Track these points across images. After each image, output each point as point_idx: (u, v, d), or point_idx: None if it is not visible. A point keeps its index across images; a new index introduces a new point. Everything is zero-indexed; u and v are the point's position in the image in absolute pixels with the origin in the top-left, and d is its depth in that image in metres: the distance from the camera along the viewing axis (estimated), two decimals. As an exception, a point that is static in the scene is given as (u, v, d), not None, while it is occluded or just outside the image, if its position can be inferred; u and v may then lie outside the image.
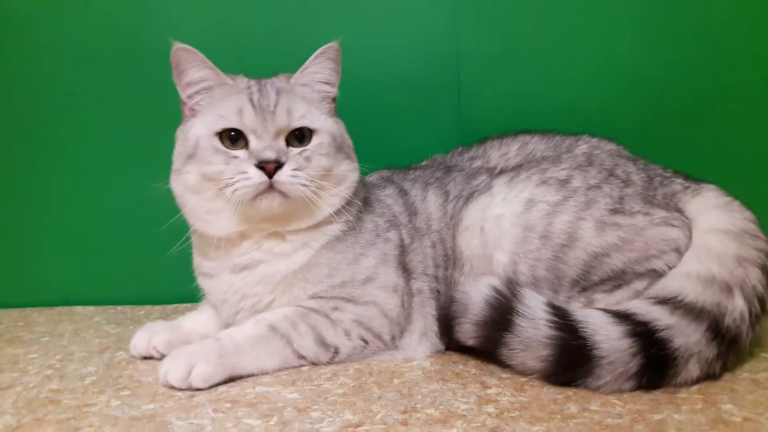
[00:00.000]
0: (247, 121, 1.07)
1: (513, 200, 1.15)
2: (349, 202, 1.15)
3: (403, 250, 1.19)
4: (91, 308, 1.60)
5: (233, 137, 1.08)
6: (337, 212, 1.13)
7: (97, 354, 1.23)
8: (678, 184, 1.18)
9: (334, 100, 1.18)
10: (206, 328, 1.23)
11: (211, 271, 1.17)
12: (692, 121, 1.55)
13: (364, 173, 1.32)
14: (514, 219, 1.12)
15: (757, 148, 1.55)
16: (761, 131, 1.55)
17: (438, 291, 1.19)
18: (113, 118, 1.55)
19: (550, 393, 0.95)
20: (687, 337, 0.93)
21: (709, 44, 1.53)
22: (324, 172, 1.10)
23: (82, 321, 1.49)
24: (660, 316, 0.95)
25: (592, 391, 0.94)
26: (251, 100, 1.08)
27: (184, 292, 1.28)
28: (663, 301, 0.98)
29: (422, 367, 1.08)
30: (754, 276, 1.01)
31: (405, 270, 1.17)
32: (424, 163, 1.40)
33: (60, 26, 1.57)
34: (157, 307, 1.57)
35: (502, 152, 1.32)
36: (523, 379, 1.00)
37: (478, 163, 1.32)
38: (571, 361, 0.94)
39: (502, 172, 1.25)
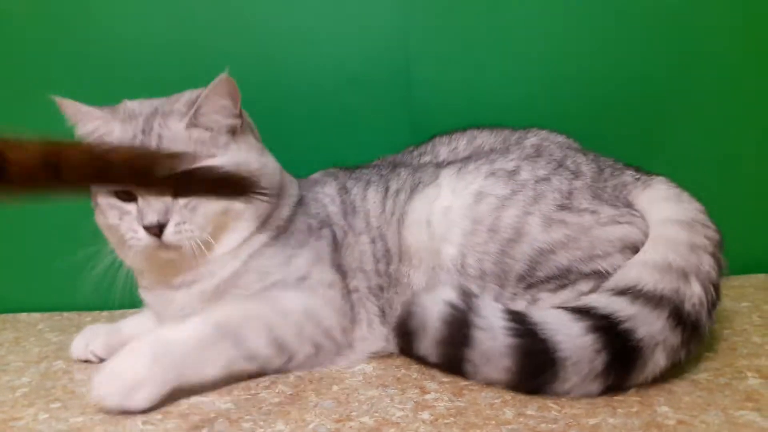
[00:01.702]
0: None
1: (462, 192, 1.13)
2: (267, 220, 1.14)
3: (336, 247, 1.17)
4: (36, 315, 1.55)
5: (124, 191, 1.07)
6: (255, 230, 1.12)
7: (34, 364, 1.19)
8: (628, 175, 1.17)
9: (232, 129, 1.12)
10: (146, 331, 1.19)
11: (149, 285, 1.16)
12: (644, 116, 1.54)
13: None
14: (463, 211, 1.11)
15: (707, 142, 1.56)
16: (711, 126, 1.55)
17: (380, 287, 1.17)
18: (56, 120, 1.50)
19: (487, 397, 0.93)
20: (650, 326, 0.92)
21: (662, 39, 1.52)
22: (217, 215, 1.08)
23: (24, 329, 1.45)
24: (621, 307, 0.94)
25: (530, 396, 0.93)
26: None
27: (134, 298, 1.24)
28: (622, 292, 0.97)
29: (364, 373, 1.06)
30: (707, 262, 1.01)
31: (339, 268, 1.16)
32: (374, 162, 1.38)
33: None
34: (105, 313, 1.53)
35: (451, 147, 1.30)
36: (463, 383, 0.99)
37: (426, 159, 1.31)
38: (534, 367, 0.92)
39: (450, 164, 1.23)
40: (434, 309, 1.01)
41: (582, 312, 0.94)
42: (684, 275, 0.97)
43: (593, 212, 1.09)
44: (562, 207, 1.09)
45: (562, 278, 1.08)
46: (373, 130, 1.54)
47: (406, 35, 1.51)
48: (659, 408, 0.87)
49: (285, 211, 1.17)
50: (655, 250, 1.01)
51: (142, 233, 1.03)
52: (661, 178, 1.16)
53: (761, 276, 1.56)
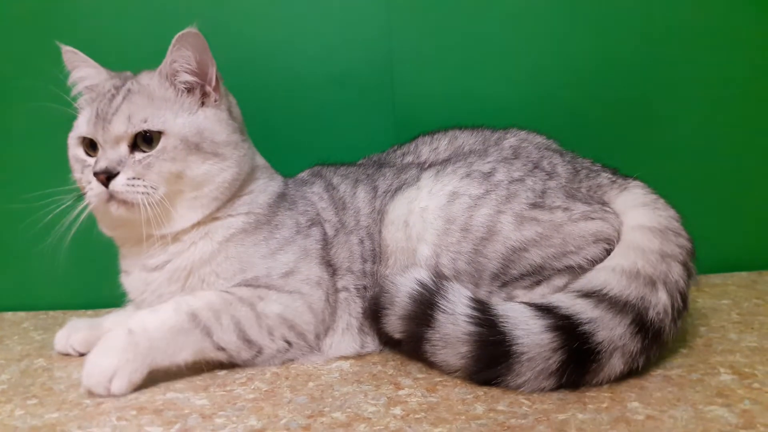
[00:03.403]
0: (91, 130, 1.07)
1: (438, 193, 1.14)
2: (239, 197, 1.14)
3: (326, 244, 1.17)
4: (21, 314, 1.56)
5: (92, 145, 1.09)
6: (221, 210, 1.12)
7: (15, 362, 1.20)
8: (604, 177, 1.17)
9: (203, 90, 1.11)
10: None
11: (128, 268, 1.16)
12: (626, 115, 1.55)
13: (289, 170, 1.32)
14: (437, 211, 1.12)
15: (689, 141, 1.57)
16: (694, 125, 1.56)
17: (365, 287, 1.17)
18: (40, 119, 1.51)
19: (460, 393, 0.94)
20: (611, 331, 0.93)
21: (644, 40, 1.53)
22: (173, 177, 1.06)
23: (9, 327, 1.45)
24: (583, 309, 0.95)
25: (503, 391, 0.93)
26: (98, 107, 1.07)
27: (118, 296, 1.24)
28: (587, 294, 0.98)
29: (340, 369, 1.07)
30: (677, 271, 1.02)
31: (329, 266, 1.16)
32: (359, 161, 1.38)
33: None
34: (90, 312, 1.53)
35: (433, 147, 1.31)
36: (437, 379, 1.00)
37: (409, 159, 1.31)
38: (490, 358, 0.93)
39: (431, 166, 1.24)
40: (405, 286, 1.03)
41: (545, 310, 0.95)
42: (651, 283, 0.98)
43: (566, 209, 1.10)
44: (535, 205, 1.10)
45: (536, 275, 1.09)
46: (357, 128, 1.54)
47: (390, 35, 1.52)
48: (630, 404, 0.88)
49: (262, 198, 1.16)
50: (625, 256, 1.02)
51: (94, 182, 1.03)
52: (637, 183, 1.17)
53: (743, 274, 1.56)
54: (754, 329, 1.16)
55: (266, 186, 1.19)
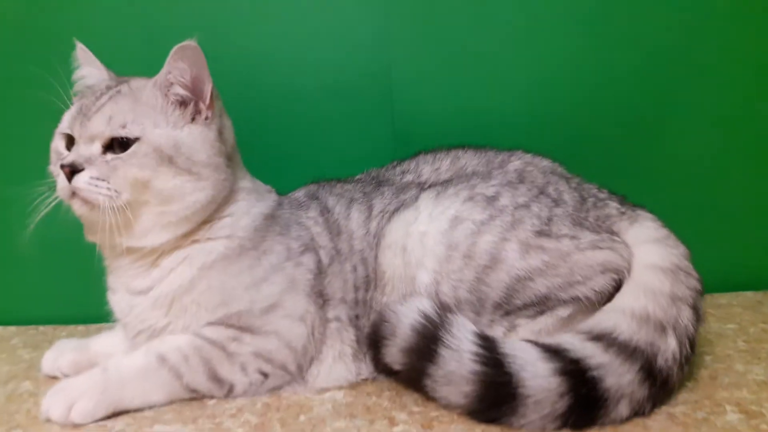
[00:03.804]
0: (70, 125, 1.05)
1: (438, 217, 1.10)
2: (219, 220, 1.09)
3: (320, 273, 1.12)
4: (12, 329, 1.52)
5: (72, 140, 1.06)
6: (197, 232, 1.07)
7: (2, 384, 1.16)
8: (613, 207, 1.13)
9: (197, 106, 1.07)
10: (115, 348, 1.18)
11: (113, 286, 1.13)
12: (630, 135, 1.51)
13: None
14: (438, 237, 1.08)
15: (695, 158, 1.52)
16: (700, 142, 1.52)
17: (357, 316, 1.13)
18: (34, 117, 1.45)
19: (458, 430, 0.91)
20: (619, 377, 0.90)
21: (650, 59, 1.48)
22: (138, 185, 1.01)
23: (-2, 343, 1.42)
24: (593, 353, 0.92)
25: (502, 428, 0.90)
26: (82, 104, 1.05)
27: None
28: (597, 337, 0.95)
29: (333, 400, 1.03)
30: (686, 315, 0.99)
31: (321, 296, 1.11)
32: (357, 176, 1.33)
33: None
34: (81, 327, 1.50)
35: (434, 167, 1.27)
36: (434, 414, 0.96)
37: (409, 178, 1.27)
38: (494, 399, 0.90)
39: (432, 186, 1.21)
40: (408, 317, 0.99)
41: (553, 351, 0.92)
42: (661, 328, 0.96)
43: (573, 237, 1.06)
44: (541, 233, 1.06)
45: (541, 305, 1.05)
46: (354, 141, 1.50)
47: (389, 46, 1.47)
48: (632, 445, 0.84)
49: (245, 221, 1.11)
50: (636, 298, 0.99)
51: (61, 176, 1.00)
52: (647, 215, 1.14)
53: (749, 294, 1.52)
54: (761, 359, 1.12)
55: (250, 207, 1.13)
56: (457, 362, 0.92)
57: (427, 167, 1.27)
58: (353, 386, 1.09)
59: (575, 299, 1.04)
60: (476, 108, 1.49)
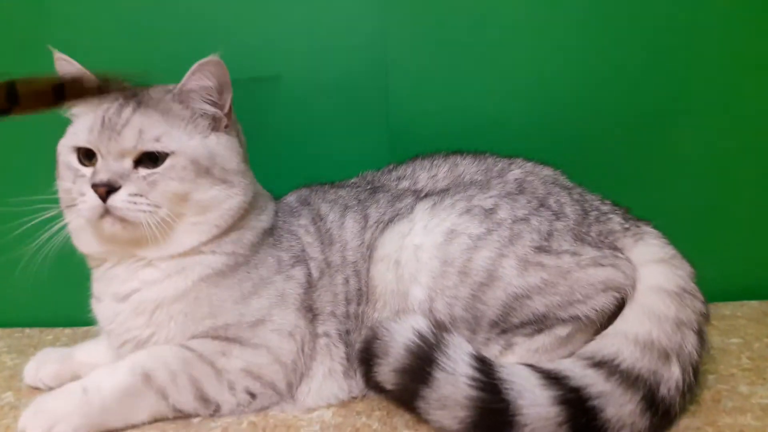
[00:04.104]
0: (93, 140, 0.99)
1: (434, 230, 1.05)
2: (229, 232, 1.06)
3: (309, 287, 1.08)
4: (-2, 330, 1.49)
5: (87, 155, 1.01)
6: (211, 242, 1.04)
7: (-16, 395, 1.13)
8: (616, 222, 1.09)
9: (215, 118, 1.06)
10: (99, 358, 1.14)
11: (99, 294, 1.09)
12: (633, 137, 1.45)
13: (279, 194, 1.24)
14: (433, 251, 1.03)
15: (695, 166, 1.47)
16: (700, 150, 1.46)
17: (348, 332, 1.09)
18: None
19: (449, 458, 0.87)
20: (620, 407, 0.87)
21: (654, 58, 1.42)
22: (177, 198, 0.99)
23: (-19, 348, 1.39)
24: (594, 381, 0.89)
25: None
26: (104, 116, 0.99)
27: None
28: (599, 364, 0.92)
29: (322, 420, 1.00)
30: (691, 342, 0.95)
31: (310, 310, 1.08)
32: (352, 180, 1.29)
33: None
34: (68, 330, 1.47)
35: (431, 174, 1.22)
36: (426, 438, 0.93)
37: (405, 184, 1.22)
38: (490, 426, 0.87)
39: (428, 195, 1.16)
40: (401, 335, 0.96)
41: (553, 378, 0.88)
42: (665, 356, 0.92)
43: (574, 254, 1.02)
44: (540, 249, 1.02)
45: (539, 323, 1.02)
46: (349, 140, 1.45)
47: (385, 43, 1.42)
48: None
49: (249, 236, 1.08)
50: (640, 323, 0.96)
51: (90, 193, 0.96)
52: (652, 232, 1.09)
53: (754, 303, 1.48)
54: (767, 380, 1.08)
55: (256, 222, 1.10)
56: (452, 386, 0.88)
57: (423, 174, 1.22)
58: (343, 405, 1.05)
59: (575, 318, 1.01)
60: (474, 108, 1.44)
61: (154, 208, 0.97)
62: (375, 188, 1.22)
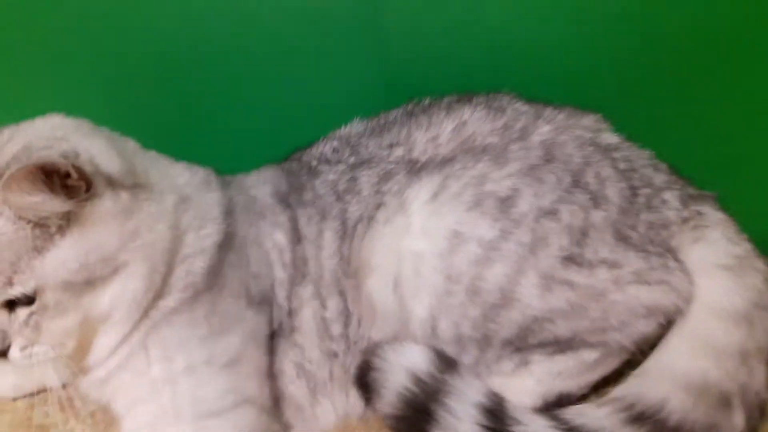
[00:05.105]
0: None
1: (435, 231, 0.83)
2: (161, 293, 0.82)
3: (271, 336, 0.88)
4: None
5: None
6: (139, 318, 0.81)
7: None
8: (673, 208, 0.85)
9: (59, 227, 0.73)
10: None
11: None
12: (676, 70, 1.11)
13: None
14: (434, 262, 0.82)
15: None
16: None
17: (335, 353, 0.91)
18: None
19: None
20: None
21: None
22: (74, 330, 0.76)
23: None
24: None
25: None
26: None
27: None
28: (640, 418, 0.75)
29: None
30: (759, 377, 0.77)
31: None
32: (333, 143, 1.01)
33: None
34: None
35: (431, 134, 0.94)
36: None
37: (398, 153, 0.95)
38: None
39: (425, 167, 0.91)
40: (396, 375, 0.81)
41: None
42: (725, 402, 0.74)
43: (612, 266, 0.80)
44: (569, 260, 0.80)
45: (561, 345, 0.84)
46: (338, 82, 1.15)
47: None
48: None
49: (198, 263, 0.84)
50: (693, 357, 0.77)
51: None
52: (715, 218, 0.85)
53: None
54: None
55: (201, 240, 0.85)
56: None
57: (421, 135, 0.95)
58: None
59: (605, 344, 0.83)
60: (481, 35, 1.10)
61: (55, 350, 0.76)
62: (359, 164, 0.96)
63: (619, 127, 0.94)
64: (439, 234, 0.83)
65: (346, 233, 0.91)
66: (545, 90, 0.97)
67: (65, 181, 0.71)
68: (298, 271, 0.90)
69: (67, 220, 0.73)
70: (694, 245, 0.83)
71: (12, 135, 0.78)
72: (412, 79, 1.08)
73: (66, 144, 0.76)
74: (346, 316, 0.90)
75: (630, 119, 0.93)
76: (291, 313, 0.89)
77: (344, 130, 1.03)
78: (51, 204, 0.70)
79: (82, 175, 0.72)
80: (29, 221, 0.71)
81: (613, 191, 0.84)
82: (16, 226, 0.71)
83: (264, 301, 0.87)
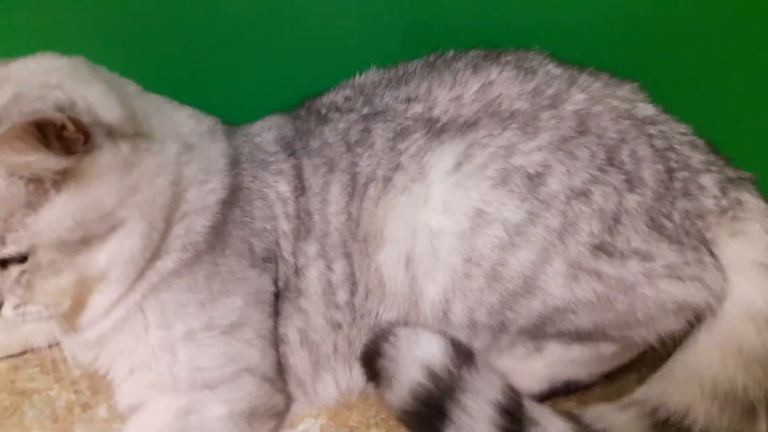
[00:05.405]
0: None
1: (457, 209, 0.76)
2: (158, 254, 0.76)
3: (277, 298, 0.83)
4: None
5: None
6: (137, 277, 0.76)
7: None
8: (710, 196, 0.77)
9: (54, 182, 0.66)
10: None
11: None
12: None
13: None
14: (453, 242, 0.76)
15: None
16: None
17: (340, 324, 0.86)
18: None
19: None
20: None
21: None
22: (68, 289, 0.71)
23: None
24: None
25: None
26: None
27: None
28: (663, 425, 0.72)
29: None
30: None
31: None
32: (345, 92, 0.92)
33: None
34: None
35: (455, 94, 0.85)
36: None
37: (417, 109, 0.86)
38: None
39: (446, 129, 0.83)
40: (409, 368, 0.76)
41: None
42: (751, 411, 0.70)
43: (644, 257, 0.73)
44: (600, 248, 0.73)
45: (580, 335, 0.79)
46: (353, 31, 1.04)
47: None
48: None
49: (200, 222, 0.78)
50: (722, 363, 0.72)
51: None
52: (755, 208, 0.77)
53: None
54: None
55: (204, 197, 0.79)
56: None
57: (443, 93, 0.85)
58: (335, 413, 0.87)
59: (627, 339, 0.78)
60: None
61: (48, 309, 0.71)
62: (373, 115, 0.87)
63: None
64: (461, 211, 0.76)
65: (356, 190, 0.83)
66: (574, 44, 0.89)
67: (61, 133, 0.64)
68: (303, 225, 0.84)
69: (63, 175, 0.67)
70: (731, 239, 0.76)
71: (1, 79, 0.70)
72: (429, 28, 0.98)
73: (61, 92, 0.68)
74: (352, 283, 0.84)
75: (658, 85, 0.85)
76: (297, 271, 0.84)
77: (359, 79, 0.94)
78: (46, 162, 0.64)
79: (80, 126, 0.65)
80: (22, 177, 0.65)
81: (649, 173, 0.76)
82: (7, 182, 0.65)
83: (269, 258, 0.82)
